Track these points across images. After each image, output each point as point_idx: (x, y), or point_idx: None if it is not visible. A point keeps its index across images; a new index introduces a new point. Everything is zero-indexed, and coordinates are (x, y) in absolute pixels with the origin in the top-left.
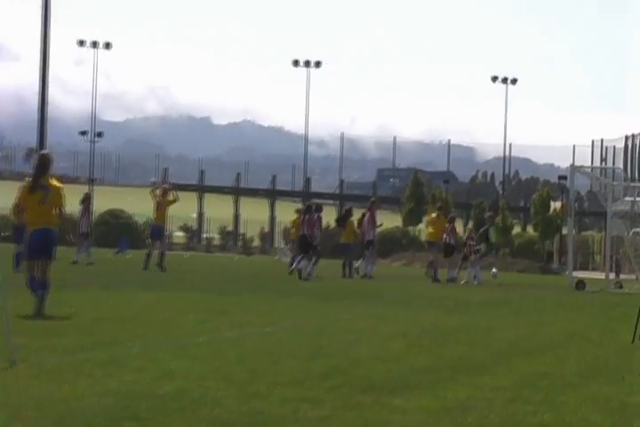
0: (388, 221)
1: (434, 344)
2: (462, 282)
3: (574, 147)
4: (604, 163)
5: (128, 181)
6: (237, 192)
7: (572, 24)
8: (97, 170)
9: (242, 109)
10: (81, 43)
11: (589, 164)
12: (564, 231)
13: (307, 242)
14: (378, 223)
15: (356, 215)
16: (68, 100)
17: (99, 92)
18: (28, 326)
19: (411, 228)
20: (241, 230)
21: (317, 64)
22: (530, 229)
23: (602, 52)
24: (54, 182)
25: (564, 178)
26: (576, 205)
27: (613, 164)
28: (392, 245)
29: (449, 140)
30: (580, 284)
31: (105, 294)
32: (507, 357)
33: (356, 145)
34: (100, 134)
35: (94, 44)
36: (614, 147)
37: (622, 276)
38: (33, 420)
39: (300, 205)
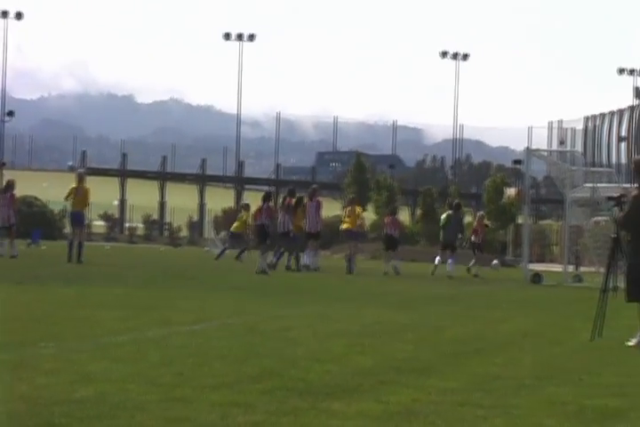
0: (329, 209)
1: (377, 344)
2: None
3: (530, 128)
4: (562, 146)
5: (43, 165)
6: (163, 177)
7: None
8: (7, 153)
9: (168, 87)
10: None
11: (546, 147)
12: (520, 220)
13: (264, 231)
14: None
15: None
16: None
17: (9, 67)
18: None
19: None
20: (167, 219)
21: (251, 37)
22: None
23: (561, 24)
24: None
25: (520, 162)
26: (532, 191)
27: (573, 147)
28: (332, 235)
29: (394, 122)
30: (537, 277)
31: (17, 290)
32: (456, 357)
33: (293, 126)
34: (10, 113)
35: (4, 14)
36: (573, 129)
37: (582, 268)
38: None
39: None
